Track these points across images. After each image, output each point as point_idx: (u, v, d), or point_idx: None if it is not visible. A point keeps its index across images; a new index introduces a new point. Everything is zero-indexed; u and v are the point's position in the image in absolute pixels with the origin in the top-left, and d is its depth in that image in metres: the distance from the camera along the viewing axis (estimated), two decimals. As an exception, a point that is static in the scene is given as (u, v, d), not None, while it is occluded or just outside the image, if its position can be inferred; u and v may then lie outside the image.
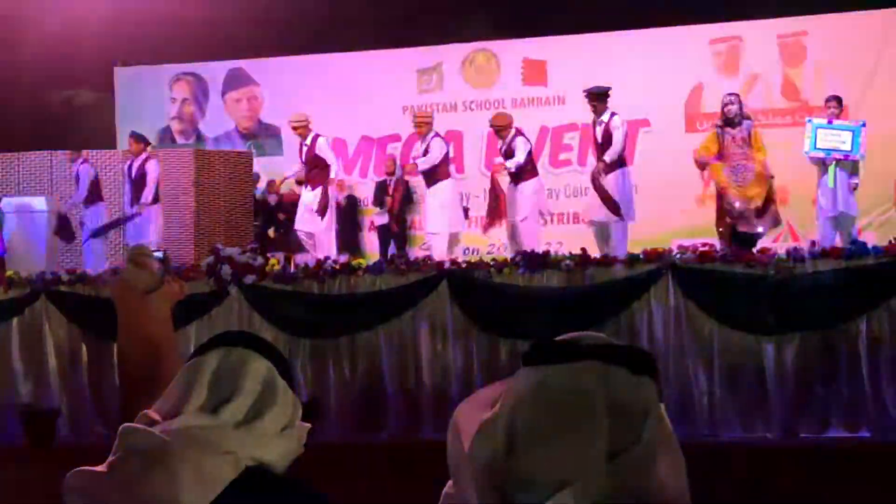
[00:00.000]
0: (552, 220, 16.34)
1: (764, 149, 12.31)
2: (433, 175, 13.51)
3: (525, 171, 13.02)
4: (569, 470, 1.50)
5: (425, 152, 13.52)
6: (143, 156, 14.49)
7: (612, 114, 12.74)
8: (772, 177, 12.30)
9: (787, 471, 8.99)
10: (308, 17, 20.39)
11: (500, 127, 13.44)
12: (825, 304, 10.54)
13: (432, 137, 13.66)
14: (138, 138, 14.86)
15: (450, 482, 1.66)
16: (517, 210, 13.00)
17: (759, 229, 12.09)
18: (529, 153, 13.18)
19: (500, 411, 1.56)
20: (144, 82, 19.21)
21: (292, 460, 2.23)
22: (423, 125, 13.78)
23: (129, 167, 14.52)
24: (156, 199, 14.23)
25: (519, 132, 13.41)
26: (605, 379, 1.56)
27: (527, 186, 13.03)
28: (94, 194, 14.41)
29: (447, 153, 13.78)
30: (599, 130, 12.80)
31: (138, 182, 14.33)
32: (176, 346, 9.86)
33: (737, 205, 12.05)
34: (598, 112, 12.80)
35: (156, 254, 11.75)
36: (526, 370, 1.60)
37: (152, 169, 14.33)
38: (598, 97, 12.80)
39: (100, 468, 2.19)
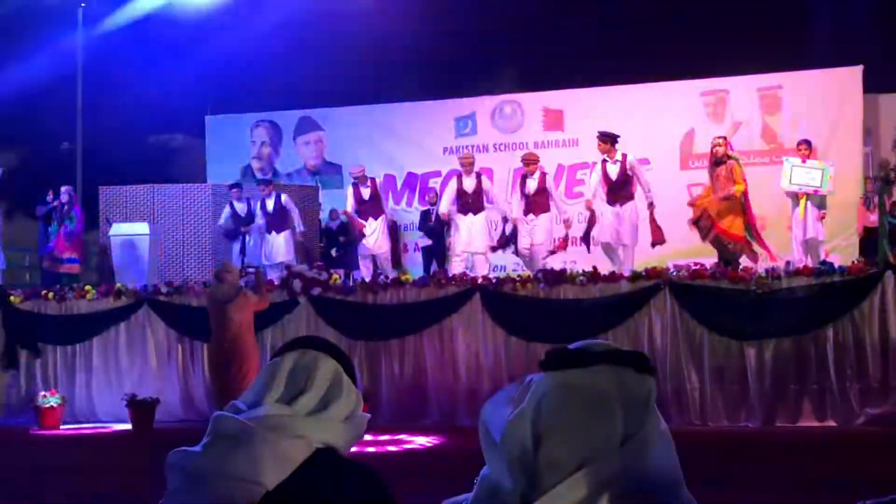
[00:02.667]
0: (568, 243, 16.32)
1: (742, 182, 12.20)
2: (477, 205, 13.42)
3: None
4: (587, 454, 1.51)
5: (477, 187, 13.40)
6: (274, 192, 14.52)
7: (624, 155, 12.63)
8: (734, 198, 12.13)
9: (765, 453, 8.92)
10: (363, 75, 20.54)
11: (529, 161, 13.29)
12: (798, 315, 10.48)
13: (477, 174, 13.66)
14: (266, 182, 14.96)
15: (486, 467, 1.66)
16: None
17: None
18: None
19: (524, 410, 1.57)
20: (229, 128, 19.32)
21: (355, 443, 2.23)
22: (468, 164, 13.71)
23: (263, 201, 14.47)
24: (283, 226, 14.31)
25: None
26: (617, 379, 1.57)
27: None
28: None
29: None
30: (614, 169, 12.62)
31: (279, 212, 14.33)
32: (254, 348, 9.83)
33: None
34: (606, 152, 12.67)
35: (249, 269, 11.81)
36: (546, 374, 1.60)
37: (287, 201, 14.40)
38: (608, 139, 12.69)
39: (194, 449, 2.20)
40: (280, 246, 14.11)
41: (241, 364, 9.36)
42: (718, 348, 10.64)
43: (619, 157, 12.58)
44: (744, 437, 10.00)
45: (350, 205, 14.45)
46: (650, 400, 1.58)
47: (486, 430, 1.61)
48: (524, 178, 13.17)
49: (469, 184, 13.45)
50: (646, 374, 1.59)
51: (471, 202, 13.31)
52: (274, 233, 14.21)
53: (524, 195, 13.02)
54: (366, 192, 14.33)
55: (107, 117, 21.22)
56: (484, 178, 13.83)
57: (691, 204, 12.56)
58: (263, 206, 14.39)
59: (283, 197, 14.44)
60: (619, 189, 12.48)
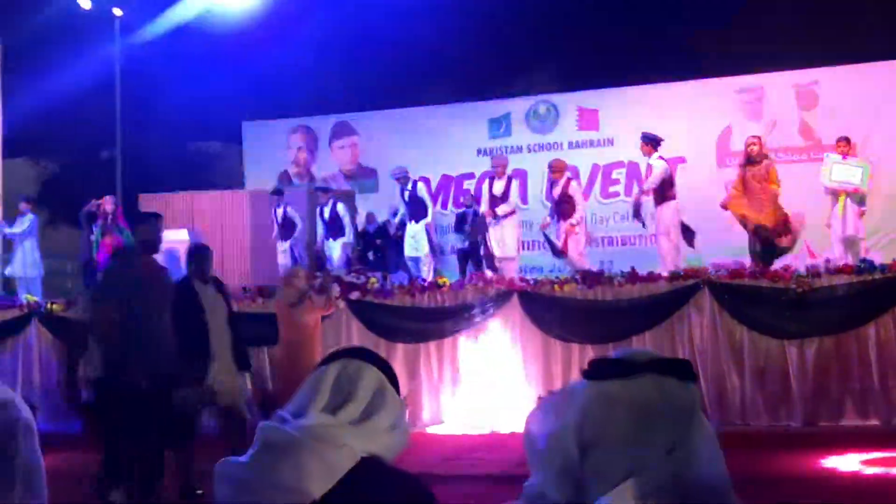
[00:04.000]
0: (601, 243, 16.27)
1: (778, 183, 12.12)
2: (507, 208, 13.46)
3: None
4: (634, 465, 1.51)
5: (505, 192, 13.41)
6: (331, 199, 14.96)
7: (660, 157, 12.57)
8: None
9: (807, 452, 8.83)
10: (397, 78, 20.60)
11: (555, 169, 13.29)
12: (839, 313, 10.37)
13: (509, 178, 13.67)
14: (324, 190, 15.37)
15: (531, 477, 1.67)
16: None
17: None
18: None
19: (568, 420, 1.57)
20: (266, 134, 19.45)
21: (399, 452, 2.24)
22: (500, 168, 13.73)
23: (321, 209, 14.93)
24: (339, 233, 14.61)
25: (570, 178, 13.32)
26: (660, 389, 1.56)
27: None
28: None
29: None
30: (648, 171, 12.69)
31: (334, 219, 14.76)
32: (319, 353, 9.78)
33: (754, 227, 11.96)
34: (648, 154, 12.64)
35: (317, 274, 11.88)
36: (589, 384, 1.60)
37: (341, 209, 14.83)
38: (650, 141, 12.62)
39: (241, 459, 2.22)
40: (336, 252, 14.45)
41: (306, 369, 9.33)
42: (759, 347, 10.54)
43: (653, 159, 12.51)
44: (786, 436, 9.91)
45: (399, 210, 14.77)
46: (695, 408, 1.57)
47: (531, 441, 1.62)
48: (552, 184, 13.24)
49: (499, 187, 13.46)
50: (689, 383, 1.58)
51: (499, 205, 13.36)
52: (331, 240, 14.53)
53: (551, 200, 13.07)
54: (406, 195, 14.44)
55: (146, 125, 21.45)
56: (514, 182, 13.80)
57: (724, 206, 12.46)
58: (321, 214, 14.76)
59: (340, 206, 14.76)
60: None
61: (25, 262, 14.93)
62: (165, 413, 6.50)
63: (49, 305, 12.86)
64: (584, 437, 1.55)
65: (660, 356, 1.63)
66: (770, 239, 11.80)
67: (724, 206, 12.45)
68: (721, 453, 1.58)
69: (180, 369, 6.77)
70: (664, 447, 1.53)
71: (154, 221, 7.44)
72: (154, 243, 7.31)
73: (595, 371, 1.62)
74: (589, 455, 1.53)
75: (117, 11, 18.42)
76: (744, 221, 12.10)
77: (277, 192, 15.19)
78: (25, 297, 13.61)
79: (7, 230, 15.17)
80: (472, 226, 14.01)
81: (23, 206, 15.46)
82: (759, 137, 12.58)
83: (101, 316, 6.54)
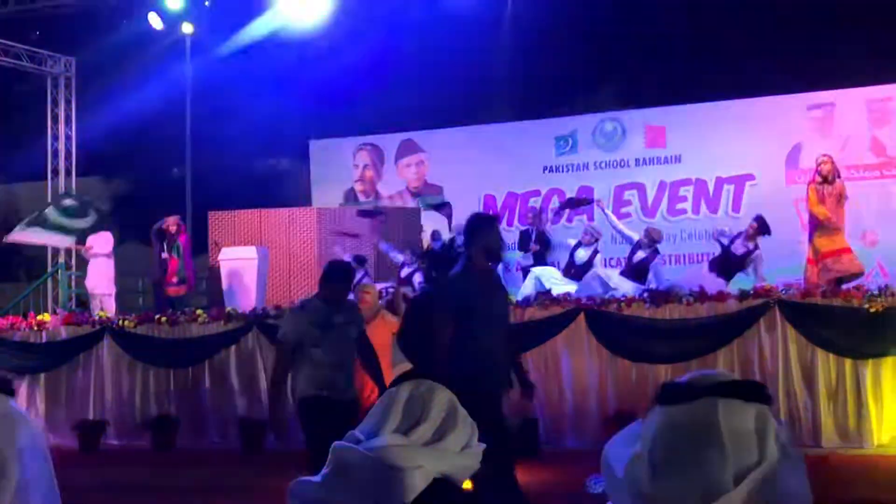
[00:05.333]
0: (669, 261, 16.13)
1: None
2: None
3: None
4: (706, 490, 1.50)
5: (589, 261, 13.27)
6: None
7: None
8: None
9: (881, 476, 8.66)
10: (464, 96, 20.67)
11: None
12: (914, 332, 10.16)
13: None
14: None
15: None
16: None
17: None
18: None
19: (641, 447, 1.57)
20: (333, 152, 19.62)
21: (470, 473, 2.26)
22: (589, 237, 13.55)
23: None
24: None
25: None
26: (721, 412, 1.55)
27: None
28: None
29: None
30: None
31: None
32: (388, 368, 9.73)
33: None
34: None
35: (389, 289, 11.95)
36: (658, 409, 1.60)
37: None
38: None
39: (315, 479, 2.24)
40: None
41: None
42: (831, 368, 10.36)
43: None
44: (859, 459, 9.72)
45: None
46: (766, 429, 1.55)
47: (608, 468, 1.62)
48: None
49: (582, 255, 13.40)
50: (755, 404, 1.56)
51: None
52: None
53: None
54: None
55: (215, 143, 21.77)
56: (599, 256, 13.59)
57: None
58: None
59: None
60: None
61: (101, 279, 15.17)
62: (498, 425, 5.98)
63: (121, 321, 13.11)
64: (655, 464, 1.55)
65: (728, 379, 1.62)
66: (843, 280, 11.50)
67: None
68: (806, 482, 1.56)
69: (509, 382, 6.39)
70: (731, 471, 1.52)
71: (491, 225, 6.36)
72: (497, 251, 6.27)
73: (662, 396, 1.61)
74: (661, 482, 1.53)
75: (187, 28, 18.71)
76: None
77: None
78: (98, 313, 13.88)
79: (91, 252, 15.34)
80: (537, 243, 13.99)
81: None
82: (829, 156, 12.38)
83: (440, 327, 5.99)
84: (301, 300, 7.53)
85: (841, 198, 11.80)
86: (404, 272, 13.92)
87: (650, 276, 12.57)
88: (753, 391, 1.58)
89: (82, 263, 16.75)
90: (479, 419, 2.36)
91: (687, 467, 1.52)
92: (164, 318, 12.93)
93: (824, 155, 12.32)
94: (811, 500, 1.56)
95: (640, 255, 12.65)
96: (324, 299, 6.75)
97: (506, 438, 5.83)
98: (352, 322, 6.74)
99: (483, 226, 6.32)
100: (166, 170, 25.46)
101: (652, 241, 12.69)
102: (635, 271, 12.64)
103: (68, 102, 19.40)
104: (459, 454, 2.22)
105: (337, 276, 6.85)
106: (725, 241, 12.39)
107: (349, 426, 2.38)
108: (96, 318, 13.46)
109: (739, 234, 12.28)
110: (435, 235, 16.45)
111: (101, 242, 15.24)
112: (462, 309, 6.00)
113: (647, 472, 1.54)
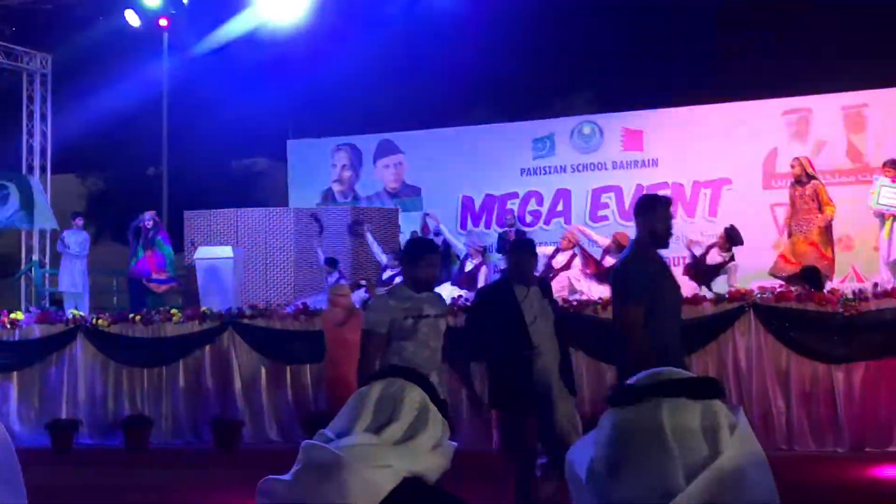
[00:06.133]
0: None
1: (832, 204, 12.01)
2: None
3: None
4: (662, 490, 1.49)
5: (567, 264, 13.27)
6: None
7: None
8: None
9: (854, 478, 8.71)
10: (442, 98, 20.68)
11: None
12: (887, 337, 10.22)
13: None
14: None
15: None
16: None
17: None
18: None
19: (596, 451, 1.57)
20: (311, 152, 19.56)
21: (442, 472, 2.24)
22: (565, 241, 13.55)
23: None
24: None
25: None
26: (665, 412, 1.53)
27: None
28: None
29: None
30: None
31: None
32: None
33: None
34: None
35: (361, 283, 11.89)
36: (609, 411, 1.60)
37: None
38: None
39: (285, 477, 2.22)
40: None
41: (342, 386, 9.26)
42: (805, 371, 10.42)
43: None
44: (832, 461, 9.77)
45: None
46: (716, 424, 1.52)
47: (573, 473, 1.61)
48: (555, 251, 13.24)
49: (561, 259, 13.37)
50: (704, 401, 1.54)
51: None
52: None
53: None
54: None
55: (192, 143, 21.69)
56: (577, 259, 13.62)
57: (773, 274, 12.19)
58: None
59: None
60: None
61: (74, 278, 15.10)
62: None
63: (95, 320, 13.03)
64: (611, 469, 1.53)
65: (675, 377, 1.60)
66: (818, 280, 11.56)
67: (773, 275, 12.17)
68: (769, 476, 1.54)
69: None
70: (681, 471, 1.50)
71: (656, 207, 5.80)
72: (662, 235, 5.71)
73: (612, 398, 1.61)
74: (618, 484, 1.52)
75: (163, 22, 18.60)
76: (791, 276, 11.85)
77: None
78: (72, 311, 13.78)
79: (68, 250, 15.30)
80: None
81: (78, 221, 15.64)
82: (798, 159, 12.48)
83: (631, 317, 5.44)
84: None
85: (815, 200, 11.88)
86: (386, 274, 13.88)
87: None
88: (700, 388, 1.56)
89: (56, 261, 16.65)
90: None
91: (641, 471, 1.50)
92: (138, 318, 12.86)
93: (795, 158, 12.45)
94: (775, 492, 1.54)
95: (609, 260, 12.65)
96: (414, 284, 5.96)
97: None
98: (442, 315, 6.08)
99: (650, 207, 5.79)
100: (142, 168, 25.35)
101: (620, 246, 12.69)
102: (605, 275, 12.68)
103: (44, 99, 19.26)
104: (431, 453, 2.21)
105: (428, 249, 6.12)
106: (698, 252, 12.42)
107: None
108: (70, 316, 13.36)
109: (713, 244, 12.32)
110: (414, 236, 16.44)
111: (78, 242, 15.22)
112: (649, 292, 5.51)
113: (603, 475, 1.53)
